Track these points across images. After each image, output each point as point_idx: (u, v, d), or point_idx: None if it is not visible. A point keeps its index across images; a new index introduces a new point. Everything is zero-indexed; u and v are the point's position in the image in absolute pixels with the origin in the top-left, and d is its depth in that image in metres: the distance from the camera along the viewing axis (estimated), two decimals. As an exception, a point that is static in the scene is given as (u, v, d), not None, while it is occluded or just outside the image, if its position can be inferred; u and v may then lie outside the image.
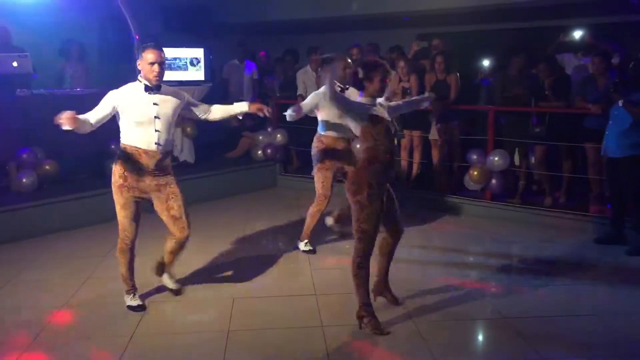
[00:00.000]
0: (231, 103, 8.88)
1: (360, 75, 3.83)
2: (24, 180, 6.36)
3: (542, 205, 6.37)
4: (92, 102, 7.24)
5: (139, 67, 4.00)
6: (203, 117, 4.33)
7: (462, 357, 3.61)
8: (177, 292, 4.49)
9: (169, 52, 7.72)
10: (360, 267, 3.77)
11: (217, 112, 4.36)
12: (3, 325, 4.04)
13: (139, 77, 4.02)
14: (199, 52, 7.90)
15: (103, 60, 8.84)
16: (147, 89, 4.00)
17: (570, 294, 4.44)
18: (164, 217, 4.18)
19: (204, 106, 4.36)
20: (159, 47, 4.00)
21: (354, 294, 3.84)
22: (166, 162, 4.16)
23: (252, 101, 4.38)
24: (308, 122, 8.20)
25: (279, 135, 8.10)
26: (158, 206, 4.17)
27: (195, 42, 8.34)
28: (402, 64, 7.00)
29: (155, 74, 3.94)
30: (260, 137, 8.29)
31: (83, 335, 3.87)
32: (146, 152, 4.03)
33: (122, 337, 3.80)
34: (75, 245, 5.71)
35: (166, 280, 4.51)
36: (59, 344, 3.76)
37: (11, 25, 7.51)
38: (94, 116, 4.03)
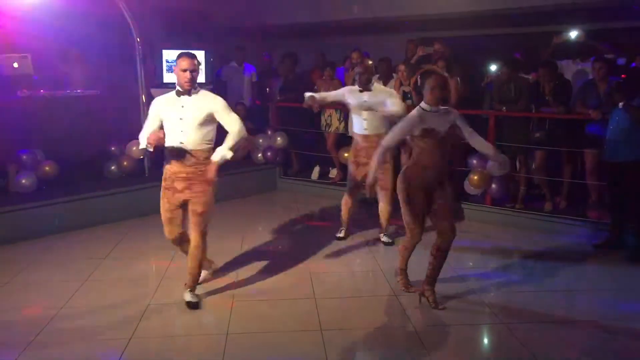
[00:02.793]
0: (230, 106, 8.86)
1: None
2: (24, 181, 6.36)
3: (542, 210, 6.36)
4: (91, 104, 7.31)
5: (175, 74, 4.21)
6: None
7: (461, 361, 3.61)
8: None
9: (170, 55, 7.74)
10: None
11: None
12: (2, 326, 4.02)
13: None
14: (199, 55, 7.88)
15: (103, 62, 8.84)
16: (178, 93, 4.17)
17: (570, 300, 4.44)
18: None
19: (225, 121, 4.27)
20: (191, 55, 4.18)
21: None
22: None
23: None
24: (308, 125, 8.27)
25: (279, 138, 8.10)
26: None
27: (196, 44, 8.34)
28: (402, 67, 7.01)
29: (186, 79, 4.10)
30: (260, 140, 8.29)
31: (81, 337, 3.86)
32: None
33: (121, 339, 3.79)
34: (74, 247, 5.70)
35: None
36: (57, 346, 3.75)
37: (12, 26, 7.51)
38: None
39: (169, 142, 4.15)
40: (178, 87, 4.15)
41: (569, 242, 5.80)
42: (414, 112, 4.13)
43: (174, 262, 5.22)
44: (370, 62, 5.74)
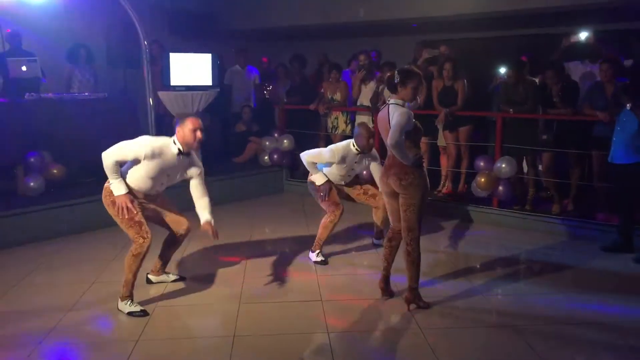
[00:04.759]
0: (235, 108, 8.83)
1: (396, 80, 4.02)
2: (32, 183, 6.38)
3: (550, 212, 6.34)
4: (99, 106, 7.34)
5: (178, 132, 4.21)
6: (191, 190, 4.48)
7: (468, 364, 3.60)
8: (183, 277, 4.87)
9: (177, 58, 7.77)
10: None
11: (198, 205, 4.49)
12: (9, 328, 4.04)
13: (174, 140, 4.22)
14: (206, 58, 7.92)
15: (111, 65, 8.90)
16: (180, 153, 4.24)
17: (578, 302, 4.42)
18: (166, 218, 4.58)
19: (200, 190, 4.47)
20: (197, 116, 4.32)
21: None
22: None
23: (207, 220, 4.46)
24: (314, 128, 8.28)
25: (285, 141, 8.11)
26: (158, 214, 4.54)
27: (203, 47, 8.37)
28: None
29: (198, 139, 4.22)
30: (267, 143, 8.31)
31: (89, 339, 3.88)
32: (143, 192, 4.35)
33: (128, 341, 3.80)
34: (82, 249, 5.72)
35: (166, 277, 4.81)
36: (65, 348, 3.76)
37: (20, 30, 7.57)
38: (121, 160, 4.19)
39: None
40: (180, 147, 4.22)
41: (577, 245, 5.78)
42: (405, 109, 4.06)
43: (182, 264, 5.24)
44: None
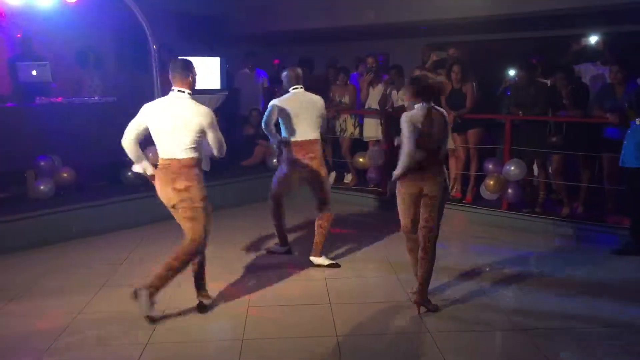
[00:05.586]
0: (243, 112, 8.79)
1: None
2: (42, 187, 6.43)
3: (560, 215, 6.30)
4: (108, 111, 7.38)
5: (185, 80, 4.21)
6: None
7: (478, 368, 3.58)
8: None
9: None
10: None
11: None
12: (20, 331, 4.06)
13: (182, 90, 4.19)
14: (214, 61, 7.95)
15: (120, 69, 8.94)
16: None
17: (588, 306, 4.39)
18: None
19: None
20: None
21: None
22: None
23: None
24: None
25: (293, 144, 8.10)
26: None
27: (211, 51, 8.40)
28: (417, 72, 6.99)
29: None
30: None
31: (98, 343, 3.89)
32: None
33: (137, 345, 3.81)
34: (92, 253, 5.74)
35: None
36: (75, 352, 3.78)
37: (31, 34, 7.63)
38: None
39: None
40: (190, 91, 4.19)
41: (587, 248, 5.74)
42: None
43: (190, 268, 5.24)
44: None
